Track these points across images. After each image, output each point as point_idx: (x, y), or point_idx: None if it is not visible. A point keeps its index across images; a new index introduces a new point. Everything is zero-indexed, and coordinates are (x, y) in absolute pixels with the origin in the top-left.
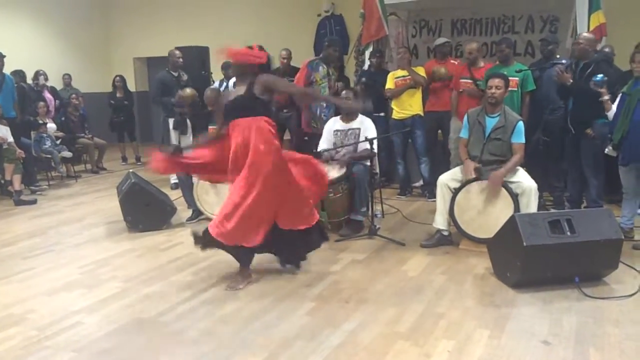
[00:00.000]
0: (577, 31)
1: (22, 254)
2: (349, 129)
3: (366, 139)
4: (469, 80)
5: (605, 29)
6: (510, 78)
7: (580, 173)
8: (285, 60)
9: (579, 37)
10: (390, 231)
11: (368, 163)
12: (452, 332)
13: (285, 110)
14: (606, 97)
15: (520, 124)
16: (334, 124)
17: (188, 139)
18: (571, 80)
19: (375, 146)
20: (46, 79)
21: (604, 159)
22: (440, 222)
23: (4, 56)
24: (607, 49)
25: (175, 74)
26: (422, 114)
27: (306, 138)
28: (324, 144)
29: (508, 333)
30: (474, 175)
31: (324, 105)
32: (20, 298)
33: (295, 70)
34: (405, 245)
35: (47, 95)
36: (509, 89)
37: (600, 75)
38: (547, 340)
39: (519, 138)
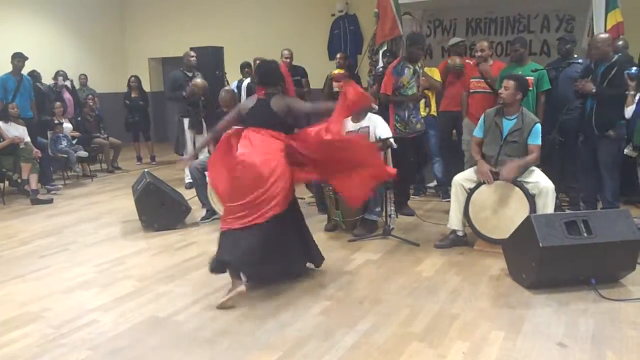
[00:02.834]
0: (593, 30)
1: (38, 252)
2: (359, 128)
3: (379, 140)
4: (481, 80)
5: (623, 28)
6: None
7: (593, 173)
8: (287, 60)
9: (595, 41)
10: (404, 231)
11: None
12: (467, 334)
13: None
14: (632, 92)
15: (538, 126)
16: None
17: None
18: (594, 89)
19: (392, 141)
20: (65, 79)
21: (620, 160)
22: (454, 222)
23: (27, 58)
24: (620, 42)
25: (190, 74)
26: (435, 114)
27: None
28: None
29: (523, 335)
30: (486, 178)
31: (412, 106)
32: (37, 296)
33: (297, 69)
34: (419, 245)
35: (67, 95)
36: None
37: (635, 68)
38: (563, 342)
39: (535, 140)
